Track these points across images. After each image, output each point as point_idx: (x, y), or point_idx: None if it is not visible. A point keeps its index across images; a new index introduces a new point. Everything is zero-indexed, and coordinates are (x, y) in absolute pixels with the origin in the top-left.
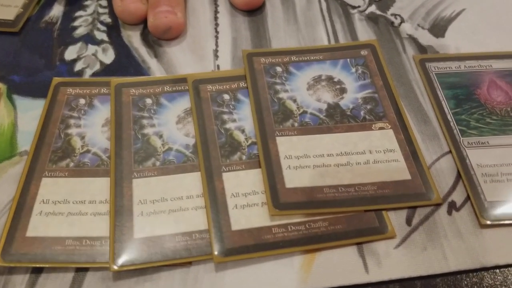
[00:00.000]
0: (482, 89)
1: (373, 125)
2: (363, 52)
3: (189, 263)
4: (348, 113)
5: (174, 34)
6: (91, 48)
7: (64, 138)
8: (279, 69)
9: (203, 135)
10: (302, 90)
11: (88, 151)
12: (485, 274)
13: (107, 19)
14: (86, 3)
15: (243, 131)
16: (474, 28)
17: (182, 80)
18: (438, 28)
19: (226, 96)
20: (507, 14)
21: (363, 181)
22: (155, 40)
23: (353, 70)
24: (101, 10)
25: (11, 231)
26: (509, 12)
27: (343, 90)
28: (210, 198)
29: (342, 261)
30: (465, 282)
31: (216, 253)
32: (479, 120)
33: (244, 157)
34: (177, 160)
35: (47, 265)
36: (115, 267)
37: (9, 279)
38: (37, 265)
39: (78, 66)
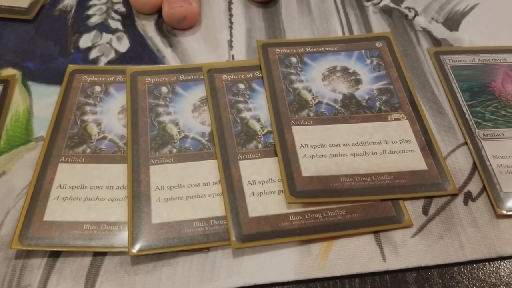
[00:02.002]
0: (496, 82)
1: (389, 116)
2: (378, 44)
3: (207, 249)
4: (364, 103)
5: (188, 23)
6: (106, 37)
7: (80, 125)
8: (294, 59)
9: (218, 124)
10: (317, 81)
11: (104, 137)
12: (501, 263)
13: (121, 8)
14: None
15: (258, 120)
16: (488, 22)
17: (197, 69)
18: (452, 22)
19: (241, 86)
20: None
21: (379, 171)
22: (170, 29)
23: (368, 61)
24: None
25: (28, 215)
26: None
27: (358, 81)
28: (227, 185)
29: (359, 249)
30: (482, 272)
31: (233, 239)
32: (494, 112)
33: (260, 146)
34: (193, 147)
35: (65, 249)
36: (134, 252)
37: (26, 262)
38: (55, 249)
39: (93, 54)
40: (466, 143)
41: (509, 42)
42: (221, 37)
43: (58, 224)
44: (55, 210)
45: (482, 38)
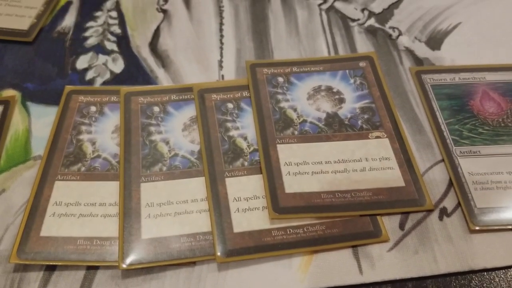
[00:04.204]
0: (475, 100)
1: (370, 134)
2: (362, 64)
3: (193, 263)
4: (346, 122)
5: None
6: (102, 58)
7: (76, 144)
8: (280, 79)
9: (207, 142)
10: (303, 100)
11: (98, 156)
12: (473, 276)
13: (117, 30)
14: (97, 14)
15: (245, 138)
16: (469, 41)
17: (188, 89)
18: (435, 41)
19: (230, 105)
20: (501, 28)
21: (359, 188)
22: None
23: (352, 81)
24: (111, 21)
25: (26, 231)
26: (503, 26)
27: (341, 100)
28: (214, 202)
29: (338, 262)
30: (454, 284)
31: (218, 253)
32: (472, 130)
33: (246, 163)
34: (182, 165)
35: (60, 263)
36: (124, 266)
37: (24, 275)
38: (51, 263)
39: (89, 75)
40: (443, 160)
41: (490, 61)
42: (212, 57)
43: (54, 239)
44: (51, 226)
45: (464, 57)
